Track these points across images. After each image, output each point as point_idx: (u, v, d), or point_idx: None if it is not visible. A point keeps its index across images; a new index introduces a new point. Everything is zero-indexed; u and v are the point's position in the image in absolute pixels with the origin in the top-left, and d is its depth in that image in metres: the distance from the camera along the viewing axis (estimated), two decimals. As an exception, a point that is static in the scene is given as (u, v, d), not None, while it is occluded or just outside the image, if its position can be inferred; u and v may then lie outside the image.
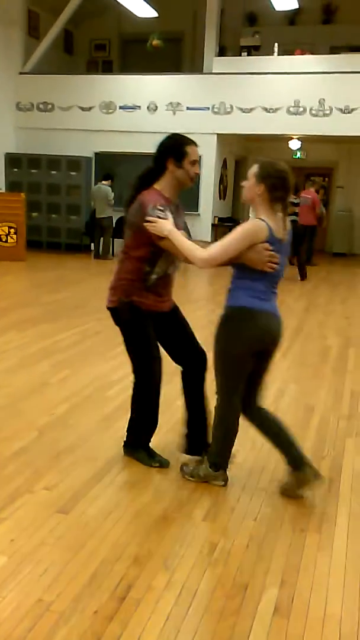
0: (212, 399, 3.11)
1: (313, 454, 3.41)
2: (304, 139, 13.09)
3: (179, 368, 3.28)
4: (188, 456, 3.31)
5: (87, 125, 12.69)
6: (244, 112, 11.89)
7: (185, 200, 3.20)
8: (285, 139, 12.95)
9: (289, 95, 11.57)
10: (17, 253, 10.93)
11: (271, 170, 2.77)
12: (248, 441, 3.51)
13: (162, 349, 3.20)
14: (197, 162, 3.01)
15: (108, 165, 12.27)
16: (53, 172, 12.50)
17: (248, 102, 11.81)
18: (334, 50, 12.53)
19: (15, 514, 2.75)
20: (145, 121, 12.26)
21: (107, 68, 15.21)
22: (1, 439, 3.53)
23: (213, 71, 12.18)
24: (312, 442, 3.67)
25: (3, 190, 12.44)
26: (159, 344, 3.18)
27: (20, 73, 12.83)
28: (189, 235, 3.02)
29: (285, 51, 12.29)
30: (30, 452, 3.39)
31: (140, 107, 12.45)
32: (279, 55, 12.29)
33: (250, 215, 2.97)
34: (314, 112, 11.53)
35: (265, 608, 2.21)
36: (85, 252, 12.37)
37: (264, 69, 11.81)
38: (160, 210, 2.87)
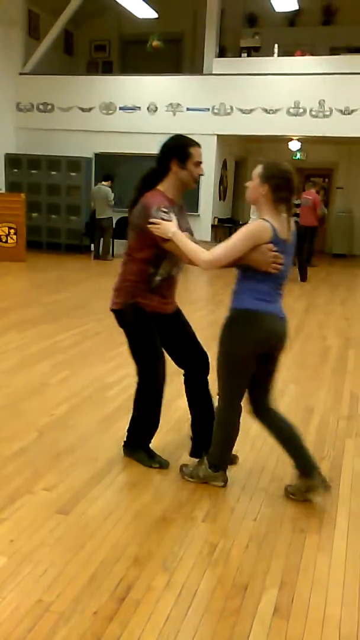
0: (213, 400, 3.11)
1: (313, 454, 3.40)
2: (304, 140, 13.10)
3: (179, 369, 3.28)
4: (188, 457, 3.31)
5: (87, 126, 12.70)
6: (244, 113, 11.90)
7: (185, 201, 3.19)
8: (285, 140, 12.96)
9: (289, 96, 11.58)
10: (17, 253, 10.94)
11: (275, 170, 2.76)
12: (248, 441, 3.51)
13: (164, 351, 3.20)
14: (200, 163, 3.01)
15: (108, 166, 12.28)
16: (53, 172, 12.50)
17: (248, 103, 11.82)
18: (334, 51, 12.54)
19: (15, 514, 2.75)
20: (145, 122, 12.28)
21: (107, 69, 15.22)
22: (1, 439, 3.53)
23: (213, 72, 12.19)
24: (312, 443, 3.67)
25: (3, 191, 12.44)
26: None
27: (21, 73, 12.84)
28: (192, 237, 3.02)
29: (285, 52, 12.30)
30: (30, 452, 3.39)
31: (140, 108, 12.46)
32: (279, 56, 12.29)
33: (251, 216, 2.97)
34: (314, 113, 11.53)
35: (265, 608, 2.21)
36: (85, 253, 12.37)
37: (264, 70, 11.82)
38: (164, 211, 2.86)
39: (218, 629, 2.11)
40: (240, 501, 2.98)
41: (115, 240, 11.72)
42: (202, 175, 3.03)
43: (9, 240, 11.00)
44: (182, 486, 3.07)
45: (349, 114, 11.36)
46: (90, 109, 12.72)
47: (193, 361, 3.24)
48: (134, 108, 12.49)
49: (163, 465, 3.25)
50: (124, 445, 3.36)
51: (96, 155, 12.73)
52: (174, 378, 3.33)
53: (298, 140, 13.09)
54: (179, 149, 2.97)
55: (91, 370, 4.86)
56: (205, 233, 12.24)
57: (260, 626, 2.12)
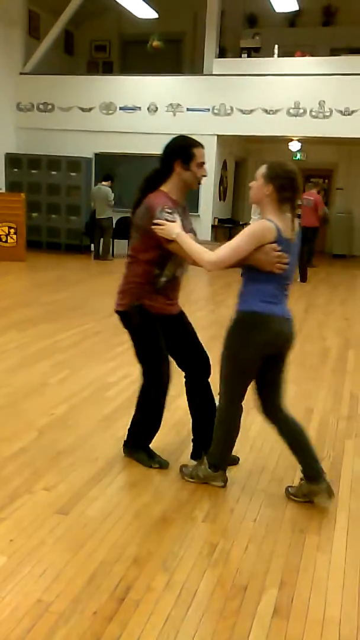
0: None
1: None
2: (304, 141, 13.10)
3: (179, 369, 3.27)
4: (188, 457, 3.31)
5: (87, 126, 12.69)
6: (244, 113, 11.90)
7: (185, 201, 3.19)
8: (285, 140, 12.95)
9: (289, 96, 11.58)
10: (17, 253, 10.94)
11: (280, 170, 2.76)
12: (248, 442, 3.51)
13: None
14: (204, 164, 3.00)
15: (108, 166, 12.29)
16: (53, 172, 12.50)
17: (248, 103, 11.82)
18: (334, 52, 12.54)
19: (14, 514, 2.75)
20: (146, 122, 12.28)
21: (107, 69, 15.23)
22: (1, 439, 3.52)
23: (213, 72, 12.19)
24: (312, 444, 3.66)
25: (3, 191, 12.44)
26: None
27: (21, 73, 12.83)
28: (195, 237, 3.01)
29: (285, 53, 12.30)
30: (30, 452, 3.38)
31: (141, 108, 12.46)
32: (279, 56, 12.29)
33: (252, 216, 2.97)
34: (314, 113, 11.54)
35: (264, 609, 2.21)
36: (85, 253, 12.37)
37: (264, 70, 11.82)
38: (168, 212, 2.85)
39: (218, 629, 2.11)
40: (240, 501, 2.98)
41: (115, 240, 11.72)
42: (205, 176, 3.02)
43: (9, 240, 11.00)
44: (182, 486, 3.07)
45: (349, 114, 11.37)
46: (90, 109, 12.72)
47: (195, 364, 3.23)
48: (134, 108, 12.49)
49: (163, 465, 3.24)
50: (124, 445, 3.36)
51: (96, 155, 12.73)
52: (174, 378, 3.32)
53: (298, 140, 13.09)
54: (182, 149, 2.96)
55: (91, 370, 4.86)
56: (206, 233, 12.24)
57: (260, 626, 2.12)
